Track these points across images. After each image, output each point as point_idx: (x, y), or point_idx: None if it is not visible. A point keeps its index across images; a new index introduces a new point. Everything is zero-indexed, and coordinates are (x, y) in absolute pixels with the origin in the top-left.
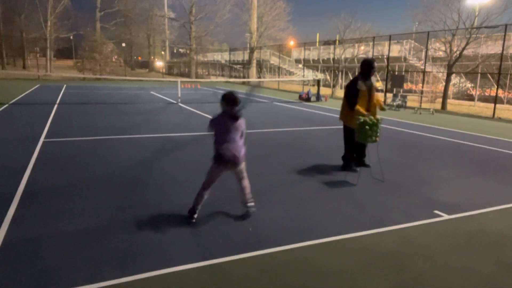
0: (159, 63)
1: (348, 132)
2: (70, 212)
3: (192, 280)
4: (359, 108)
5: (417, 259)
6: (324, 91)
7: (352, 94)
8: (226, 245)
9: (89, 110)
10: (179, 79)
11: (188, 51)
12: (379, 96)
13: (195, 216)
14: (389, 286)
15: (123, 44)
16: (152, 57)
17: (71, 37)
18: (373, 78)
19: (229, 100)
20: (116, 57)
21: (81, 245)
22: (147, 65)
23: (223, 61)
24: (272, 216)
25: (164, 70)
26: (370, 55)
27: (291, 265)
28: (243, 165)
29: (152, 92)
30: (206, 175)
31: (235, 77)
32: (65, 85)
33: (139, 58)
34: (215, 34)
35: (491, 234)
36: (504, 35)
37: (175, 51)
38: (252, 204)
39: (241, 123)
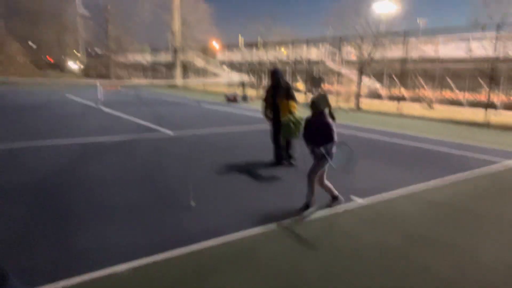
0: (73, 64)
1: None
2: None
3: (123, 282)
4: (263, 104)
5: (337, 239)
6: (250, 92)
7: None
8: (157, 242)
9: None
10: (98, 81)
11: (105, 52)
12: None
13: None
14: (316, 265)
15: (31, 44)
16: (65, 58)
17: None
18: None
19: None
20: (21, 57)
21: (8, 256)
22: (58, 66)
23: (145, 62)
24: (206, 212)
25: (79, 72)
26: (290, 58)
27: (226, 256)
28: None
29: (67, 95)
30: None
31: (159, 78)
32: None
33: (49, 58)
34: (135, 34)
35: (397, 213)
36: (404, 40)
37: (90, 51)
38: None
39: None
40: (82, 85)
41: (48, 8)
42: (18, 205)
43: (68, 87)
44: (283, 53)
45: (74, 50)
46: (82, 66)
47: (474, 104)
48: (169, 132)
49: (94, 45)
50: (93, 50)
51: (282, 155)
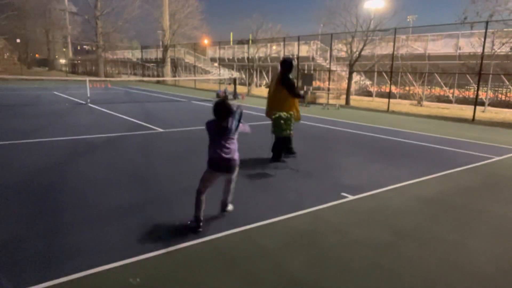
0: (61, 61)
1: None
2: None
3: (114, 280)
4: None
5: (327, 235)
6: (240, 89)
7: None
8: (148, 242)
9: None
10: (87, 78)
11: (94, 48)
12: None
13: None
14: (306, 260)
15: (18, 40)
16: (52, 54)
17: None
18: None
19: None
20: (8, 54)
21: None
22: (46, 63)
23: (134, 59)
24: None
25: (67, 69)
26: (281, 55)
27: (214, 254)
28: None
29: (56, 92)
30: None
31: (149, 75)
32: None
33: (37, 55)
34: (124, 30)
35: (387, 209)
36: (394, 38)
37: (79, 48)
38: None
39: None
40: (70, 82)
41: (35, 4)
42: (6, 204)
43: (56, 84)
44: (273, 50)
45: (63, 48)
46: (69, 63)
47: (462, 101)
48: (159, 129)
49: (81, 42)
50: (81, 47)
51: (281, 153)
